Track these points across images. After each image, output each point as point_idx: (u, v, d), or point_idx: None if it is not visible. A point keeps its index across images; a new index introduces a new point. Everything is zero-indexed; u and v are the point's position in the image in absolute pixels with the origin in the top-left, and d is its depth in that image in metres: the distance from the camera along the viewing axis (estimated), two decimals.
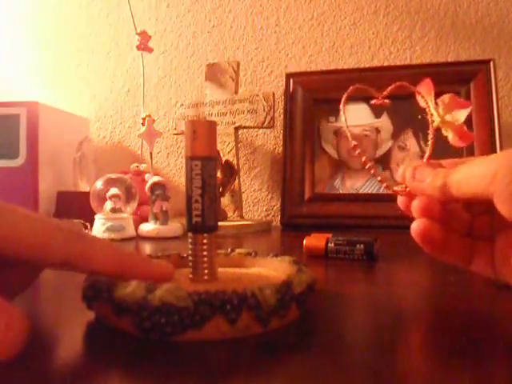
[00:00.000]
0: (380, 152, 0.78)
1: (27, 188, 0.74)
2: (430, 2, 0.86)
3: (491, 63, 0.74)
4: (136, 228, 0.65)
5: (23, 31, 1.05)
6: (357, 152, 0.30)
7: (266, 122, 0.78)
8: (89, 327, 0.24)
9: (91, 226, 0.62)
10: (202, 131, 0.26)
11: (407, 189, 0.29)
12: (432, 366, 0.19)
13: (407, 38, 0.87)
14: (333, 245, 0.43)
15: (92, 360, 0.20)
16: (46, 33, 1.04)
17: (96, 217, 0.63)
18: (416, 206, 0.27)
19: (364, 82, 0.32)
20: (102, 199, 0.65)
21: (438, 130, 0.31)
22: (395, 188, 0.29)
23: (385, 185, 0.30)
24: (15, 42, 1.05)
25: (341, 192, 0.79)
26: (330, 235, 0.44)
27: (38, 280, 0.26)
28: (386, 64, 0.87)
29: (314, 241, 0.44)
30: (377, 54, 0.88)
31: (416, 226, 0.27)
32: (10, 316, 0.17)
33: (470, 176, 0.24)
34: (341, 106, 0.31)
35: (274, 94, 0.79)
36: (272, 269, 0.31)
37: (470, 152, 0.71)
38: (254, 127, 0.81)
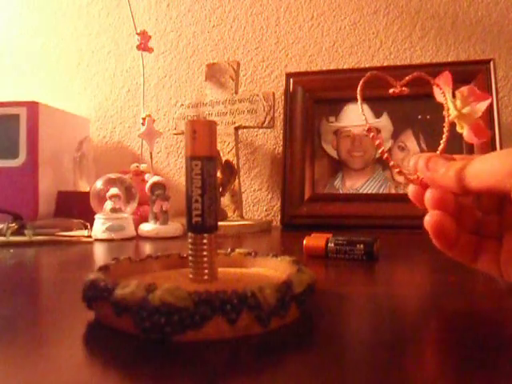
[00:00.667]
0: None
1: (27, 188, 0.74)
2: (430, 2, 0.86)
3: (491, 63, 0.74)
4: (136, 228, 0.65)
5: (23, 31, 1.05)
6: (371, 135, 0.30)
7: (266, 122, 0.78)
8: (89, 327, 0.24)
9: (91, 225, 0.62)
10: (201, 131, 0.26)
11: (420, 178, 0.28)
12: (432, 365, 0.19)
13: (407, 38, 0.87)
14: (333, 245, 0.43)
15: (92, 360, 0.20)
16: (46, 33, 1.04)
17: (96, 217, 0.63)
18: (430, 197, 0.27)
19: (390, 76, 0.31)
20: (102, 199, 0.65)
21: (452, 125, 0.31)
22: (409, 176, 0.29)
23: (398, 170, 0.29)
24: (15, 42, 1.05)
25: (341, 192, 0.79)
26: (330, 235, 0.44)
27: (37, 280, 0.26)
28: (386, 64, 0.87)
29: (314, 241, 0.44)
30: (377, 53, 0.88)
31: (430, 218, 0.26)
32: None
33: (487, 168, 0.23)
34: (358, 93, 0.30)
35: (273, 94, 0.79)
36: (272, 269, 0.31)
37: (469, 152, 0.71)
38: (254, 127, 0.81)
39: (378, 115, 0.79)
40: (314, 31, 0.91)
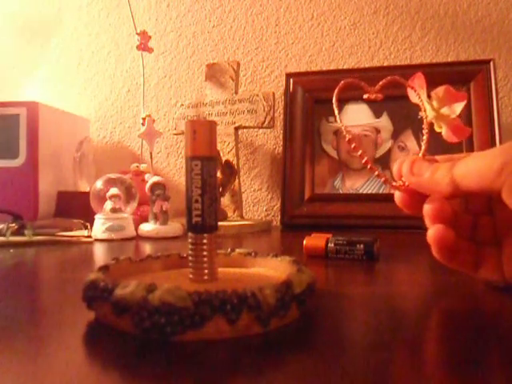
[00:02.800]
0: (380, 152, 0.78)
1: (27, 188, 0.74)
2: (430, 2, 0.86)
3: (491, 63, 0.74)
4: (136, 228, 0.65)
5: (23, 31, 1.05)
6: (352, 146, 0.30)
7: (266, 122, 0.78)
8: (89, 327, 0.24)
9: (91, 225, 0.62)
10: (201, 131, 0.26)
11: (406, 184, 0.28)
12: (432, 365, 0.19)
13: (407, 38, 0.87)
14: (333, 245, 0.43)
15: (92, 360, 0.20)
16: (46, 33, 1.03)
17: (96, 217, 0.63)
18: (429, 210, 0.26)
19: (364, 82, 0.31)
20: (102, 199, 0.65)
21: (432, 125, 0.30)
22: (394, 183, 0.28)
23: (383, 179, 0.29)
24: (15, 42, 1.05)
25: (341, 192, 0.79)
26: (330, 235, 0.44)
27: (37, 280, 0.26)
28: (385, 64, 0.87)
29: (314, 241, 0.44)
30: (377, 53, 0.88)
31: (433, 232, 0.26)
32: None
33: (473, 169, 0.23)
34: (333, 101, 0.30)
35: (273, 94, 0.79)
36: (272, 269, 0.31)
37: (470, 151, 0.71)
38: (254, 127, 0.81)
39: (378, 115, 0.79)
40: (313, 31, 0.91)
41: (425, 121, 0.30)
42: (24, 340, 0.22)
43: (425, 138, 0.29)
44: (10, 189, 0.73)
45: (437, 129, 0.31)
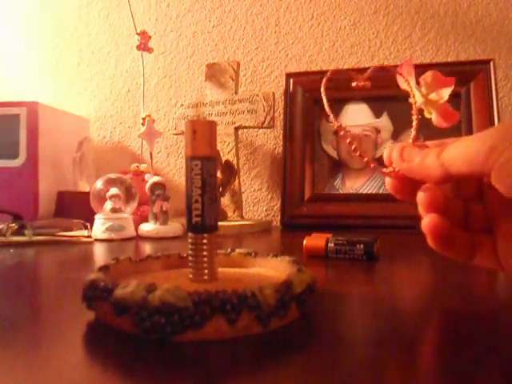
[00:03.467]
0: (380, 152, 0.78)
1: (27, 188, 0.74)
2: (430, 2, 0.86)
3: (491, 63, 0.74)
4: (136, 228, 0.64)
5: (23, 31, 1.05)
6: (341, 133, 0.29)
7: (266, 122, 0.78)
8: (89, 327, 0.24)
9: (91, 225, 0.62)
10: (201, 131, 0.26)
11: (396, 170, 0.27)
12: (432, 365, 0.19)
13: (407, 38, 0.87)
14: (333, 245, 0.43)
15: (92, 360, 0.20)
16: (46, 33, 1.04)
17: (96, 217, 0.63)
18: (423, 198, 0.26)
19: (352, 71, 0.31)
20: (102, 199, 0.65)
21: (421, 111, 0.30)
22: (384, 170, 0.28)
23: (372, 166, 0.28)
24: (15, 42, 1.05)
25: (341, 192, 0.79)
26: (330, 235, 0.44)
27: (37, 280, 0.26)
28: (385, 64, 0.87)
29: (314, 241, 0.44)
30: (377, 53, 0.88)
31: (428, 221, 0.26)
32: None
33: (463, 153, 0.23)
34: (322, 90, 0.30)
35: (273, 94, 0.79)
36: (272, 269, 0.31)
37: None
38: (254, 127, 0.81)
39: (378, 115, 0.79)
40: (313, 31, 0.91)
41: (414, 107, 0.29)
42: (24, 340, 0.22)
43: (414, 123, 0.29)
44: (9, 189, 0.73)
45: (427, 115, 0.30)
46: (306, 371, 0.18)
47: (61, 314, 0.27)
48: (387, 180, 0.28)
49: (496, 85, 0.73)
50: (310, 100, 0.82)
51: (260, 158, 0.92)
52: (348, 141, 0.29)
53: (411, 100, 0.30)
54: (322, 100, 0.30)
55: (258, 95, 0.79)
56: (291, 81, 0.84)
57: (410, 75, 0.30)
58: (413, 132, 0.28)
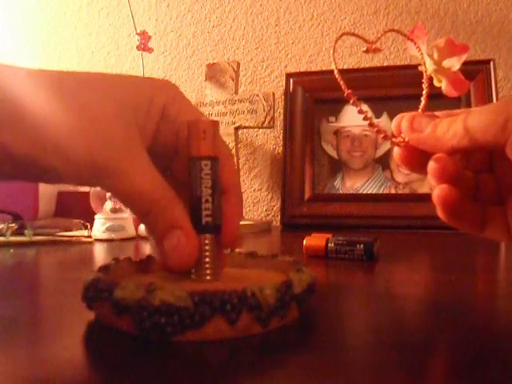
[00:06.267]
0: (380, 152, 0.78)
1: (27, 188, 0.74)
2: (430, 2, 0.86)
3: (491, 63, 0.74)
4: (136, 228, 0.64)
5: (23, 31, 1.05)
6: (346, 93, 0.28)
7: (266, 122, 0.78)
8: (89, 327, 0.24)
9: (91, 225, 0.62)
10: (209, 131, 0.26)
11: (405, 140, 0.26)
12: (432, 365, 0.19)
13: None
14: (333, 245, 0.43)
15: (92, 360, 0.20)
16: (46, 33, 1.04)
17: (96, 217, 0.63)
18: (434, 169, 0.25)
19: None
20: (102, 199, 0.65)
21: (432, 79, 0.29)
22: (394, 140, 0.28)
23: (383, 135, 0.27)
24: (15, 42, 1.05)
25: (341, 192, 0.79)
26: (330, 235, 0.44)
27: (37, 280, 0.26)
28: (385, 64, 0.87)
29: (314, 241, 0.44)
30: (377, 53, 0.88)
31: (439, 193, 0.25)
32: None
33: (476, 125, 0.22)
34: (331, 53, 0.29)
35: (273, 94, 0.79)
36: (272, 269, 0.31)
37: None
38: (254, 127, 0.81)
39: (378, 115, 0.79)
40: (314, 31, 0.91)
41: (424, 75, 0.28)
42: (24, 340, 0.22)
43: (424, 92, 0.27)
44: (10, 189, 0.73)
45: (436, 83, 0.29)
46: (305, 371, 0.18)
47: (61, 314, 0.27)
48: (396, 150, 0.27)
49: (496, 85, 0.73)
50: (310, 100, 0.82)
51: (260, 157, 0.92)
52: (358, 109, 0.28)
53: (421, 68, 0.29)
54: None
55: (258, 95, 0.79)
56: (291, 81, 0.84)
57: (421, 41, 0.29)
58: (423, 101, 0.27)
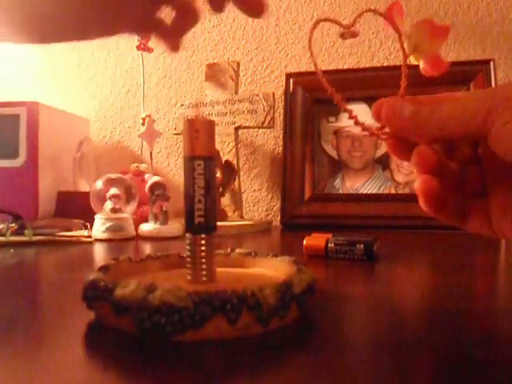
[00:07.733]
0: (380, 152, 0.78)
1: (27, 188, 0.74)
2: (430, 2, 0.86)
3: (491, 63, 0.74)
4: (136, 228, 0.64)
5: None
6: (329, 92, 0.28)
7: (266, 122, 0.78)
8: (89, 327, 0.24)
9: (91, 225, 0.62)
10: (203, 130, 0.26)
11: (383, 128, 0.26)
12: (432, 365, 0.19)
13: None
14: (333, 245, 0.43)
15: (92, 360, 0.20)
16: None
17: (96, 217, 0.63)
18: (415, 160, 0.25)
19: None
20: (102, 199, 0.65)
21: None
22: (371, 128, 0.26)
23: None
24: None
25: (341, 192, 0.79)
26: (330, 235, 0.44)
27: (37, 280, 0.26)
28: (385, 64, 0.87)
29: (314, 241, 0.44)
30: (377, 54, 0.88)
31: (420, 183, 0.24)
32: None
33: (460, 113, 0.22)
34: (308, 41, 0.28)
35: (274, 94, 0.79)
36: (272, 269, 0.31)
37: None
38: (254, 127, 0.81)
39: None
40: (314, 31, 0.90)
41: (403, 55, 0.27)
42: (24, 340, 0.22)
43: (403, 76, 0.26)
44: (10, 189, 0.73)
45: (413, 61, 0.29)
46: (305, 371, 0.18)
47: (61, 314, 0.27)
48: (387, 143, 0.26)
49: (496, 85, 0.73)
50: (309, 100, 0.82)
51: (260, 157, 0.92)
52: (343, 108, 0.28)
53: (400, 47, 0.27)
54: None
55: (258, 95, 0.79)
56: (291, 81, 0.84)
57: (399, 19, 0.29)
58: (402, 85, 0.26)
